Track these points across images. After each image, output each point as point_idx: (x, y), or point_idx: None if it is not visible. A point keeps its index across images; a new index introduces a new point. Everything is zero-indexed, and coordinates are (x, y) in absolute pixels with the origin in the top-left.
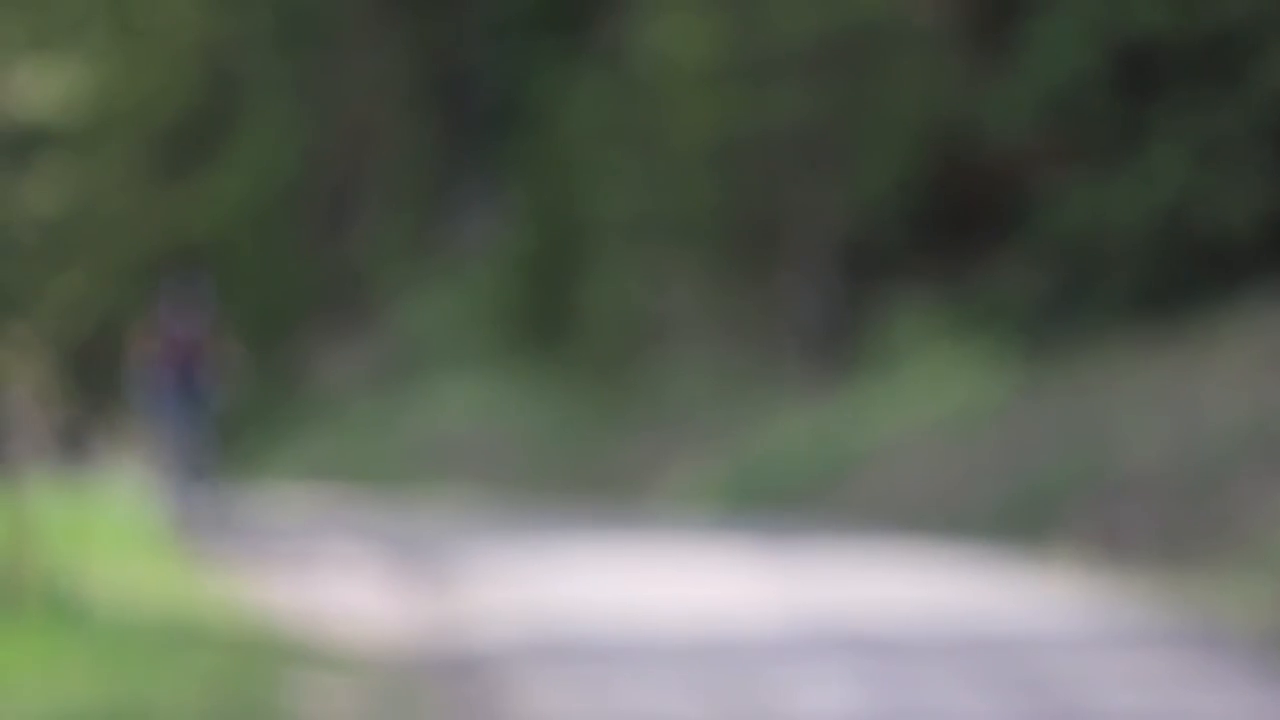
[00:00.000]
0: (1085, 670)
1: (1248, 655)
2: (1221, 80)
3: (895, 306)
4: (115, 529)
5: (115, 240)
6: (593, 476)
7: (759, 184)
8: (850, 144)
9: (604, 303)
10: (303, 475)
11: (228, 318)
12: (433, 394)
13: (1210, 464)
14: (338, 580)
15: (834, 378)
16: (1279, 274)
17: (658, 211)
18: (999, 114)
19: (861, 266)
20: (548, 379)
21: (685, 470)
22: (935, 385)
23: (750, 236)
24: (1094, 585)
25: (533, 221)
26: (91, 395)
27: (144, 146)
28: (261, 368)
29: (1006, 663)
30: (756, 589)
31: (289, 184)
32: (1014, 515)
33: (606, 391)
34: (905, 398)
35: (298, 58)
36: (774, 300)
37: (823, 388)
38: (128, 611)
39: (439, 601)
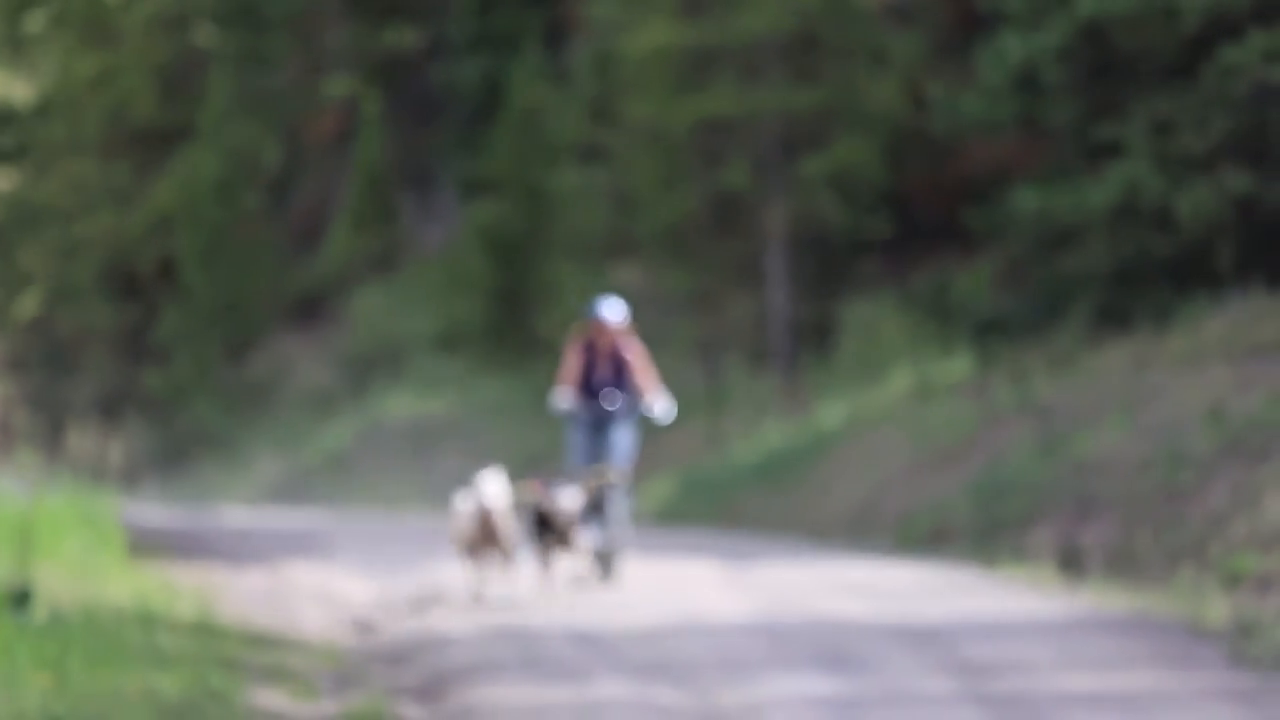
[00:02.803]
0: (1034, 657)
1: (1190, 646)
2: (1177, 83)
3: (854, 310)
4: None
5: (74, 230)
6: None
7: (718, 183)
8: (817, 142)
9: (561, 305)
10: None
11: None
12: (394, 390)
13: (1163, 460)
14: (304, 570)
15: (791, 382)
16: (1229, 269)
17: (616, 217)
18: (959, 118)
19: (821, 268)
20: (509, 379)
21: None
22: (892, 386)
23: (710, 236)
24: (1047, 584)
25: (495, 223)
26: (50, 382)
27: (107, 142)
28: (231, 368)
29: (961, 651)
30: (712, 578)
31: (250, 187)
32: (972, 519)
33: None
34: (862, 402)
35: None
36: (734, 300)
37: (781, 392)
38: (85, 604)
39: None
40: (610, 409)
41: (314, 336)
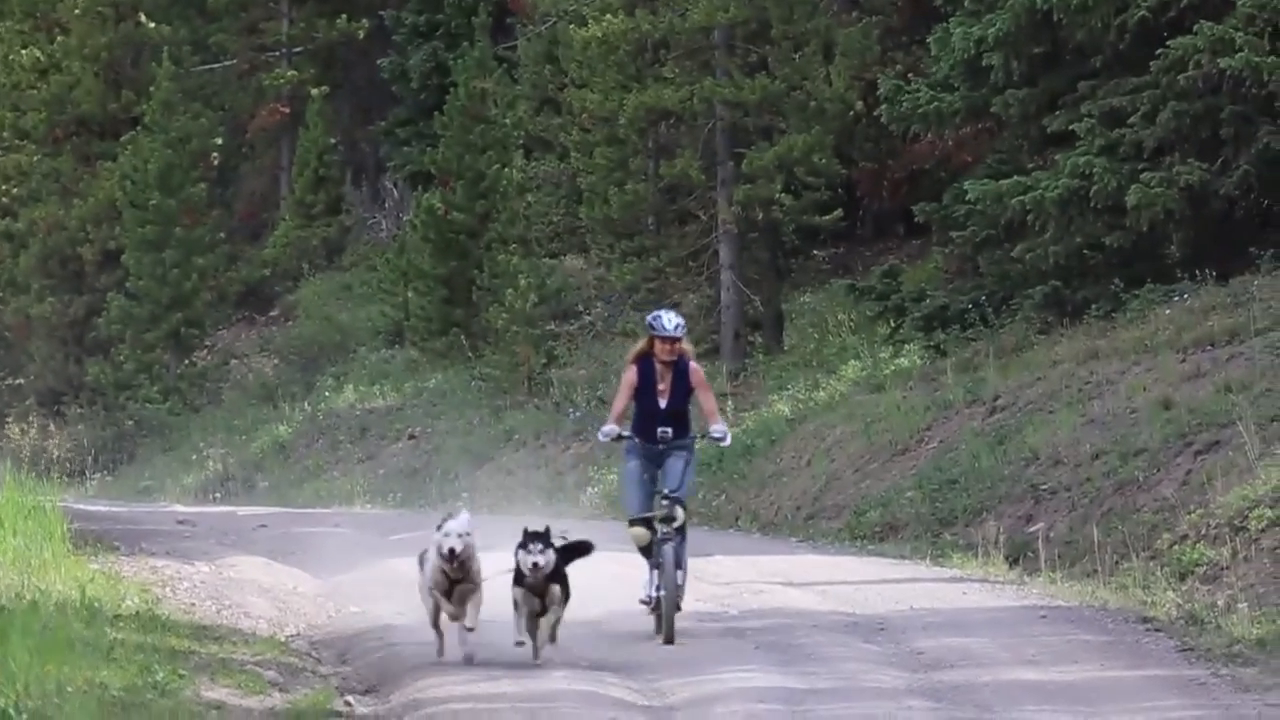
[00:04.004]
0: (984, 648)
1: (1140, 637)
2: (1127, 73)
3: (804, 302)
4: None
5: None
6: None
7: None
8: (767, 134)
9: (513, 293)
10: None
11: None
12: (340, 382)
13: (1113, 451)
14: (241, 562)
15: (740, 374)
16: (1179, 261)
17: (565, 208)
18: (908, 109)
19: (771, 259)
20: (457, 371)
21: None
22: (842, 378)
23: (659, 228)
24: (997, 576)
25: (442, 215)
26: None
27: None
28: (176, 360)
29: (911, 643)
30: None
31: (199, 179)
32: (922, 511)
33: (513, 381)
34: (812, 394)
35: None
36: (683, 292)
37: (731, 384)
38: (28, 597)
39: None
40: (668, 436)
41: (260, 328)
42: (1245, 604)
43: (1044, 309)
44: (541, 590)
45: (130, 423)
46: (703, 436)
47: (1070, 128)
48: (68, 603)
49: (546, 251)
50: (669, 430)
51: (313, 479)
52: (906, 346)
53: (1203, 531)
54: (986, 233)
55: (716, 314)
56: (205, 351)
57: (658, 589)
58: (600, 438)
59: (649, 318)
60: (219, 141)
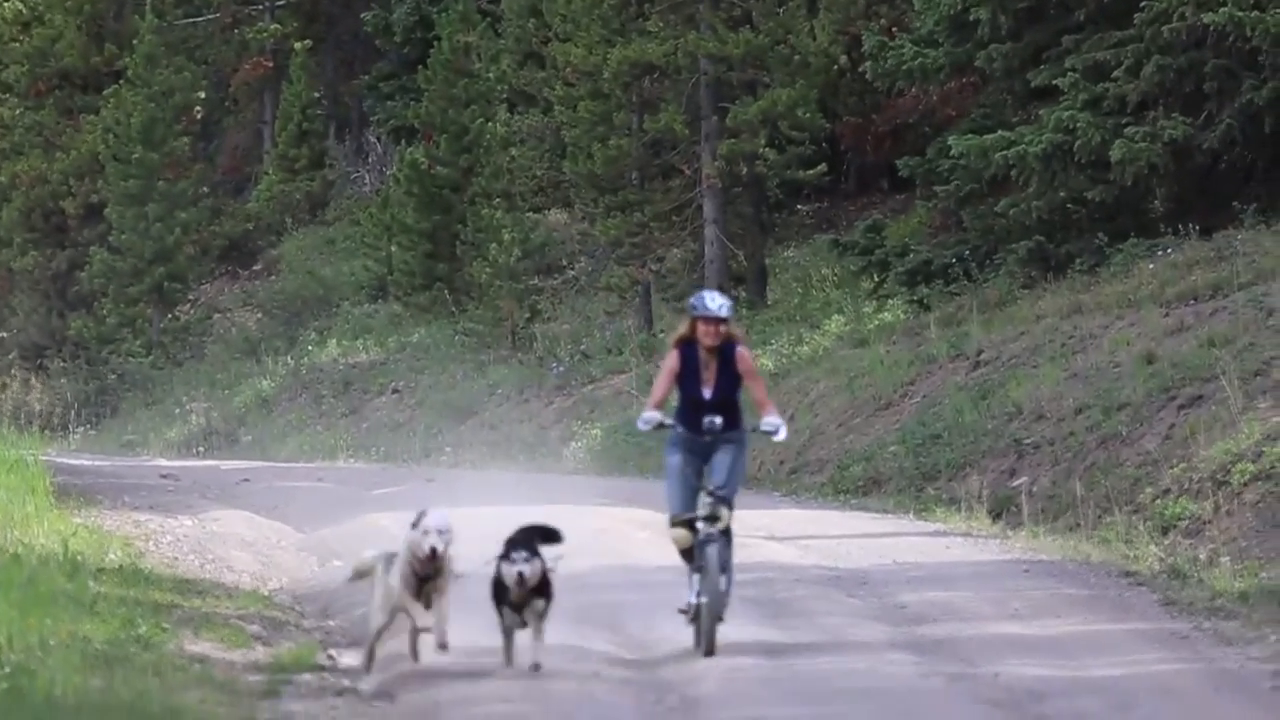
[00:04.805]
0: (967, 603)
1: (1123, 591)
2: (1110, 28)
3: (788, 256)
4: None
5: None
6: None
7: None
8: (751, 88)
9: (497, 247)
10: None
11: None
12: (324, 336)
13: (1096, 406)
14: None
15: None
16: (1163, 215)
17: (549, 162)
18: (893, 64)
19: (755, 214)
20: (440, 326)
21: (574, 412)
22: (826, 332)
23: (643, 182)
24: (980, 531)
25: (426, 169)
26: None
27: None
28: (159, 314)
29: (894, 598)
30: (645, 526)
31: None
32: (905, 465)
33: (496, 336)
34: (795, 348)
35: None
36: (667, 246)
37: None
38: (11, 551)
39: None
40: (715, 427)
41: (243, 282)
42: (1227, 557)
43: (1027, 263)
44: (523, 602)
45: (113, 377)
46: (753, 430)
47: (1054, 82)
48: (50, 556)
49: (530, 206)
50: (716, 421)
51: (296, 433)
52: (890, 301)
53: (1185, 485)
54: (970, 187)
55: (700, 269)
56: (188, 306)
57: (699, 595)
58: (640, 426)
59: (691, 299)
60: (202, 95)
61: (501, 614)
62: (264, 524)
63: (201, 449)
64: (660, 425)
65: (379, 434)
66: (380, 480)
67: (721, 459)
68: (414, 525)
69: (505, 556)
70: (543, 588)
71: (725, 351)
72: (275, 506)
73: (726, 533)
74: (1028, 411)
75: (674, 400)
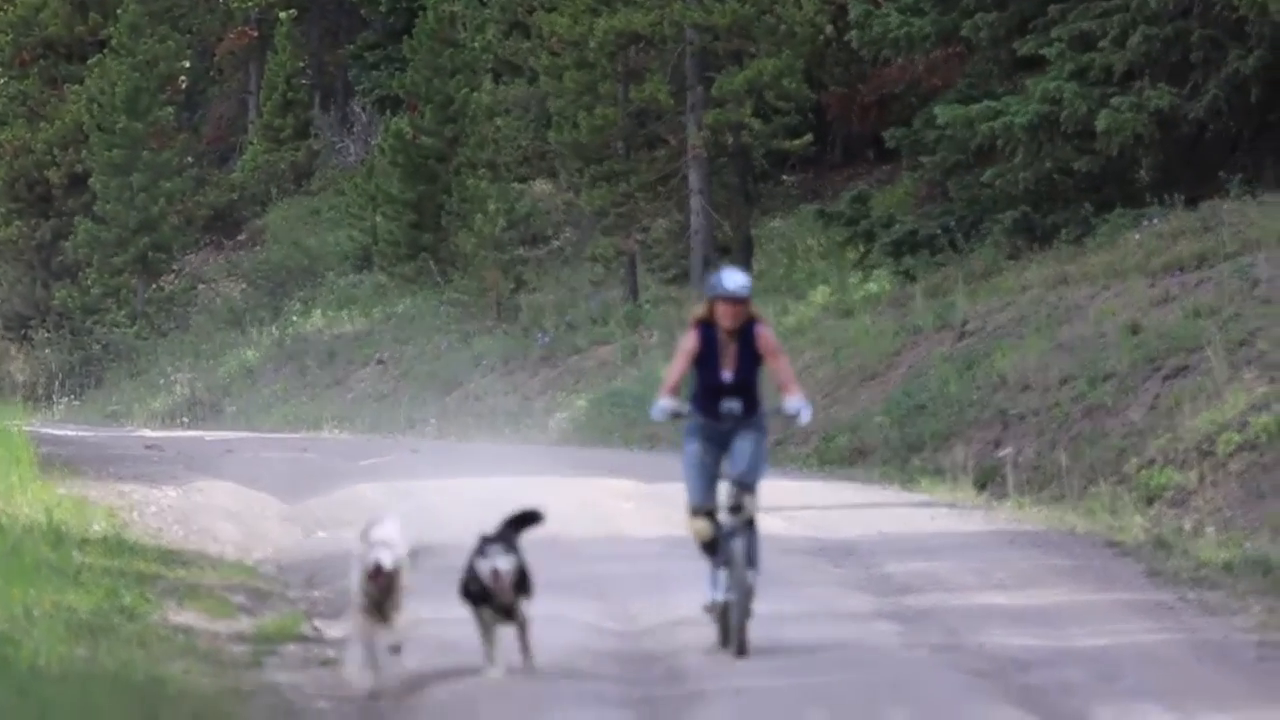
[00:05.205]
0: (952, 573)
1: (1108, 561)
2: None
3: (773, 226)
4: None
5: None
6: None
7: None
8: (737, 58)
9: (482, 217)
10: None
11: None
12: (309, 306)
13: (1082, 376)
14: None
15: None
16: (1149, 186)
17: (535, 133)
18: (879, 33)
19: (741, 184)
20: (426, 296)
21: (557, 380)
22: (812, 302)
23: (629, 152)
24: (966, 501)
25: (411, 139)
26: None
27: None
28: (143, 283)
29: (880, 568)
30: (631, 497)
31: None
32: (891, 436)
33: (481, 306)
34: (781, 318)
35: None
36: (653, 217)
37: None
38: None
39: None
40: (735, 412)
41: (228, 252)
42: (1212, 528)
43: (1013, 234)
44: (509, 600)
45: (97, 347)
46: (775, 412)
47: (1040, 52)
48: (35, 527)
49: (515, 176)
50: (735, 405)
51: (280, 404)
52: (875, 272)
53: (1170, 456)
54: (956, 158)
55: (685, 239)
56: (172, 276)
57: (726, 592)
58: (655, 416)
59: (710, 279)
60: (186, 65)
61: (480, 613)
62: (249, 494)
63: (186, 419)
64: (676, 415)
65: (364, 405)
66: (365, 451)
67: (742, 446)
68: (362, 536)
69: (480, 553)
70: (523, 583)
71: (745, 332)
72: (260, 477)
73: (751, 524)
74: (1013, 382)
75: (690, 386)
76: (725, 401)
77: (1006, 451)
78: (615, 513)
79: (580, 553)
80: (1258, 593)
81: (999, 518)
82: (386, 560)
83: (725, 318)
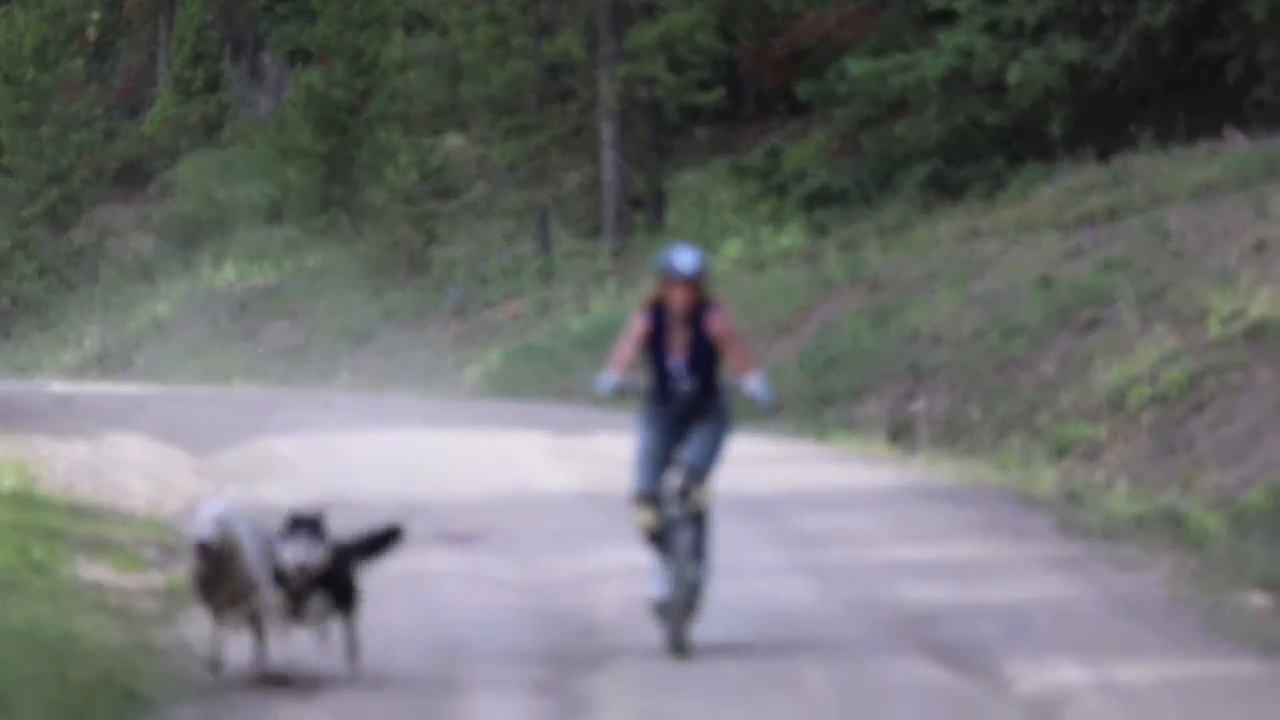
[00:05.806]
0: (865, 527)
1: (1020, 515)
2: None
3: (685, 180)
4: None
5: None
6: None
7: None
8: (649, 11)
9: (393, 170)
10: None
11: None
12: (219, 260)
13: (994, 330)
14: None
15: (621, 253)
16: (1060, 139)
17: (446, 86)
18: None
19: (653, 138)
20: (337, 249)
21: (463, 335)
22: (724, 256)
23: (540, 106)
24: (878, 455)
25: (322, 92)
26: None
27: None
28: (52, 237)
29: (792, 522)
30: (542, 451)
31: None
32: (804, 390)
33: (393, 260)
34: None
35: None
36: (565, 171)
37: (612, 263)
38: None
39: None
40: (686, 390)
41: (138, 205)
42: (1123, 481)
43: (925, 188)
44: (301, 595)
45: (5, 300)
46: (734, 389)
47: (952, 5)
48: None
49: (427, 129)
50: (690, 392)
51: (192, 357)
52: (788, 225)
53: (1082, 409)
54: (868, 112)
55: (598, 192)
56: (82, 228)
57: (674, 585)
58: (599, 389)
59: (659, 259)
60: (96, 16)
61: (276, 606)
62: (160, 449)
63: (96, 373)
64: (622, 391)
65: (275, 358)
66: (277, 405)
67: (698, 433)
68: (192, 518)
69: (286, 536)
70: (337, 586)
71: (698, 315)
72: (171, 431)
73: (700, 517)
74: (925, 335)
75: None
76: (678, 389)
77: (919, 405)
78: (524, 466)
79: (492, 506)
80: (1168, 546)
81: (911, 471)
82: (209, 534)
83: (675, 300)
